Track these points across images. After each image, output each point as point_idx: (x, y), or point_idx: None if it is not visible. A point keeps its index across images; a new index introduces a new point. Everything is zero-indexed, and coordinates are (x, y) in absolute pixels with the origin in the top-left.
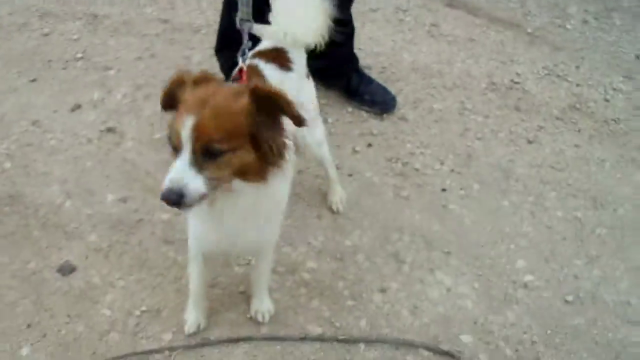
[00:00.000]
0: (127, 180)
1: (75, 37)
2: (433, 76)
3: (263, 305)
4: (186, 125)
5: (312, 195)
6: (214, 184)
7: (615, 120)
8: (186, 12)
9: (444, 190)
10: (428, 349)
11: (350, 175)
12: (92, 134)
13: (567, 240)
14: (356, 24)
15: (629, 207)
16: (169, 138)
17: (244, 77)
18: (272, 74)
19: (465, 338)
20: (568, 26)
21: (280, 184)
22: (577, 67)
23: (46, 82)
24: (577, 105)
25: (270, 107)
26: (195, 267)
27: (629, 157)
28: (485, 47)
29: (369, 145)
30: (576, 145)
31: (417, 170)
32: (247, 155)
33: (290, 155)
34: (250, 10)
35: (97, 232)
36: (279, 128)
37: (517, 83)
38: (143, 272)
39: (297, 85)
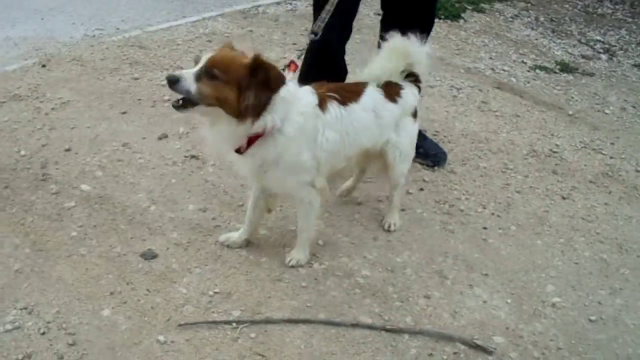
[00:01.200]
0: (207, 195)
1: (162, 83)
2: (480, 141)
3: (298, 253)
4: (207, 55)
5: (370, 221)
6: (201, 95)
7: None
8: None
9: (485, 228)
10: (464, 342)
11: (403, 210)
12: (177, 158)
13: (593, 275)
14: None
15: None
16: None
17: (292, 69)
18: (373, 98)
19: (498, 339)
20: (607, 111)
21: (288, 142)
22: (612, 144)
23: (136, 115)
24: (610, 173)
25: (262, 75)
26: (251, 194)
27: None
28: (529, 122)
29: (421, 189)
30: (606, 204)
31: (462, 211)
32: (230, 93)
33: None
34: (322, 26)
35: (178, 231)
36: (263, 93)
37: (555, 152)
38: (218, 264)
39: (395, 119)
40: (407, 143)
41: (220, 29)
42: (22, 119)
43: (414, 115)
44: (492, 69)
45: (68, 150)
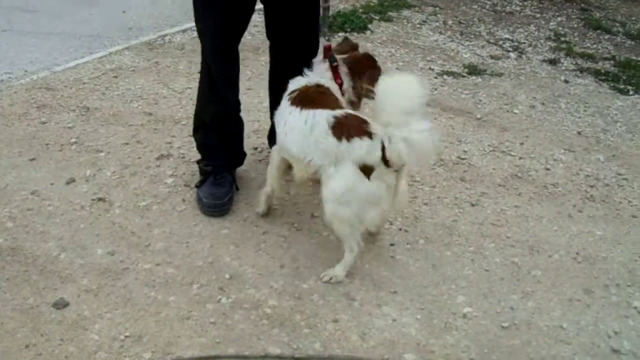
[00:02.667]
0: (114, 238)
1: (69, 125)
2: None
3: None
4: None
5: (276, 249)
6: None
7: (553, 185)
8: (168, 107)
9: (392, 244)
10: None
11: (308, 234)
12: (85, 202)
13: (504, 280)
14: None
15: (563, 253)
16: None
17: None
18: (322, 119)
19: (409, 356)
20: (515, 111)
21: None
22: (522, 144)
23: (44, 161)
24: (519, 174)
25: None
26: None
27: (566, 214)
28: (436, 131)
29: None
30: (516, 206)
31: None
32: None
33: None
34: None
35: (88, 277)
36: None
37: (463, 159)
38: (127, 307)
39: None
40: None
41: (126, 63)
42: None
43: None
44: None
45: None
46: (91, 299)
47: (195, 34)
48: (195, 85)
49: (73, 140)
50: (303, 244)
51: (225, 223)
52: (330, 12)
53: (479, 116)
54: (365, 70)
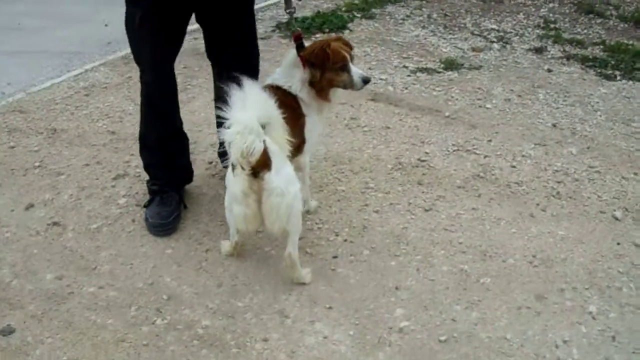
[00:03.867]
0: (64, 262)
1: (35, 149)
2: (343, 163)
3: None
4: None
5: (216, 267)
6: None
7: (517, 183)
8: (132, 124)
9: (335, 257)
10: None
11: (250, 249)
12: (40, 227)
13: (449, 290)
14: None
15: (518, 257)
16: None
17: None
18: None
19: None
20: (488, 105)
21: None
22: (489, 141)
23: (7, 187)
24: (482, 174)
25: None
26: None
27: (527, 214)
28: (399, 133)
29: None
30: (473, 209)
31: (312, 242)
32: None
33: None
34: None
35: (35, 303)
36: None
37: (423, 161)
38: (68, 332)
39: None
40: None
41: (100, 80)
42: None
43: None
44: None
45: None
46: (35, 324)
47: None
48: None
49: (37, 164)
50: (243, 261)
51: (170, 242)
52: (310, 13)
53: (447, 114)
54: (328, 59)
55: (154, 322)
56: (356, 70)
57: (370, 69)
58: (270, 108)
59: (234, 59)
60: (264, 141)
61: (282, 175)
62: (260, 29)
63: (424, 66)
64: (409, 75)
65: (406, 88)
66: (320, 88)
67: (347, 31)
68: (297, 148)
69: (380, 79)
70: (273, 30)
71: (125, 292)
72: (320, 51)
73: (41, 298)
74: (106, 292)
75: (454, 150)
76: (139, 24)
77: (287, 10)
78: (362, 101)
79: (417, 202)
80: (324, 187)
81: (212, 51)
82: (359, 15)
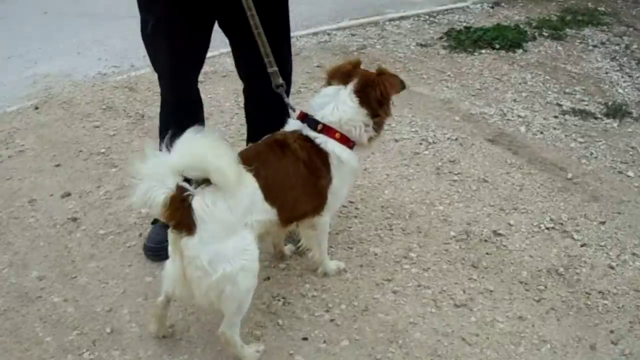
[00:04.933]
0: (55, 263)
1: (112, 133)
2: (399, 217)
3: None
4: None
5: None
6: None
7: (602, 294)
8: (221, 123)
9: (304, 339)
10: None
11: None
12: (60, 220)
13: None
14: None
15: None
16: None
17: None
18: None
19: None
20: (630, 173)
21: None
22: (602, 223)
23: (65, 169)
24: (561, 270)
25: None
26: None
27: (589, 342)
28: (494, 190)
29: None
30: (519, 317)
31: (291, 312)
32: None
33: None
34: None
35: (4, 299)
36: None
37: (499, 235)
38: (10, 337)
39: None
40: None
41: (226, 67)
42: None
43: None
44: (504, 114)
45: None
46: None
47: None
48: None
49: (103, 150)
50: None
51: (155, 270)
52: (488, 24)
53: (570, 175)
54: (376, 87)
55: (81, 354)
56: None
57: (515, 100)
58: (210, 158)
59: (265, 71)
60: (190, 197)
61: (211, 248)
62: (428, 34)
63: (583, 107)
64: (555, 117)
65: (541, 132)
66: (381, 125)
67: (519, 50)
68: (314, 209)
69: (518, 116)
70: (440, 38)
71: (81, 312)
72: (384, 85)
73: (12, 295)
74: (66, 306)
75: (546, 228)
76: (152, 32)
77: (276, 88)
78: (477, 140)
79: (452, 290)
80: (356, 244)
81: (240, 64)
82: (546, 33)
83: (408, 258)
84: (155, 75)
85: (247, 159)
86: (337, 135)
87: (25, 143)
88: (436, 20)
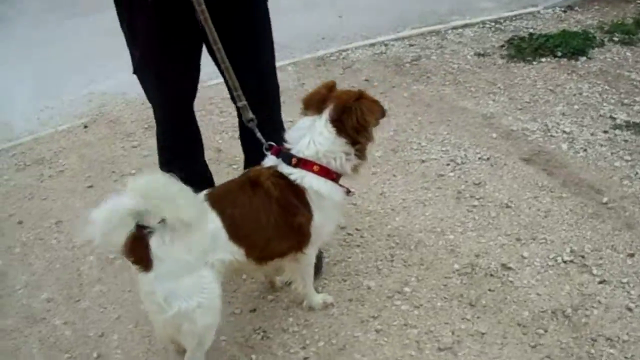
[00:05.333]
0: (64, 286)
1: (146, 153)
2: (403, 247)
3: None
4: None
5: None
6: None
7: (611, 341)
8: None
9: None
10: None
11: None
12: (78, 242)
13: None
14: None
15: None
16: None
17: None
18: None
19: None
20: None
21: None
22: (630, 256)
23: (96, 191)
24: (569, 312)
25: None
26: None
27: None
28: (515, 217)
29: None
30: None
31: (265, 348)
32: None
33: None
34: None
35: (14, 318)
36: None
37: (508, 269)
38: (9, 358)
39: None
40: None
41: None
42: (23, 184)
43: None
44: (547, 130)
45: (20, 222)
46: None
47: (374, 51)
48: None
49: (133, 171)
50: None
51: None
52: (554, 30)
53: (606, 200)
54: (352, 114)
55: None
56: None
57: (563, 114)
58: (164, 195)
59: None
60: (148, 235)
61: (166, 285)
62: (490, 42)
63: (639, 120)
64: (605, 131)
65: (585, 150)
66: (363, 152)
67: (583, 58)
68: (294, 248)
69: (563, 132)
70: (501, 46)
71: (76, 335)
72: (361, 111)
73: (20, 315)
74: (64, 329)
75: (564, 261)
76: (139, 65)
77: (247, 122)
78: (511, 160)
79: (440, 332)
80: (351, 276)
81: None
82: (616, 38)
83: (402, 293)
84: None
85: (214, 198)
86: (315, 168)
87: (67, 163)
88: (502, 27)
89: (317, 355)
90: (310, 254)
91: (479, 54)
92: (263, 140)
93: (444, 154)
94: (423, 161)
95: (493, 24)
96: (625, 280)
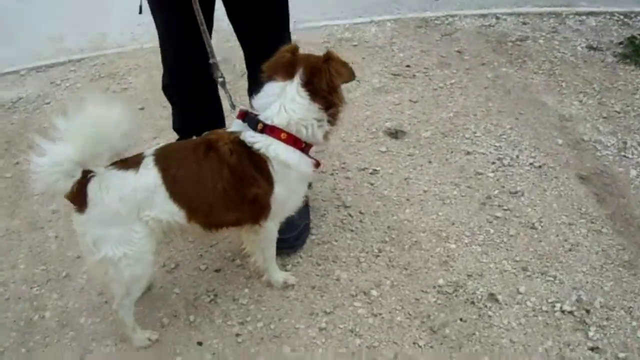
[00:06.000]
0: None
1: None
2: (398, 243)
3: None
4: None
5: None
6: None
7: None
8: None
9: None
10: None
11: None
12: None
13: None
14: None
15: None
16: None
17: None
18: None
19: None
20: None
21: None
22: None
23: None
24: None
25: None
26: None
27: None
28: (536, 243)
29: None
30: None
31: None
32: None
33: None
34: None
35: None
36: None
37: (494, 301)
38: None
39: None
40: None
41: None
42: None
43: None
44: (622, 149)
45: None
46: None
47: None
48: None
49: None
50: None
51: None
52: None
53: None
54: (322, 75)
55: None
56: None
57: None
58: (104, 135)
59: (262, 44)
60: (90, 178)
61: (96, 230)
62: (609, 36)
63: None
64: None
65: None
66: (336, 117)
67: None
68: (247, 219)
69: None
70: (619, 43)
71: (59, 252)
72: (330, 72)
73: (26, 220)
74: (52, 243)
75: (562, 310)
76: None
77: (216, 79)
78: (565, 174)
79: (382, 351)
80: (327, 261)
81: (238, 32)
82: None
83: (367, 295)
84: None
85: (162, 154)
86: (282, 135)
87: (134, 81)
88: (629, 22)
89: (249, 335)
90: (269, 227)
91: (590, 47)
92: (230, 102)
93: (495, 150)
94: (468, 153)
95: (622, 17)
96: (622, 355)
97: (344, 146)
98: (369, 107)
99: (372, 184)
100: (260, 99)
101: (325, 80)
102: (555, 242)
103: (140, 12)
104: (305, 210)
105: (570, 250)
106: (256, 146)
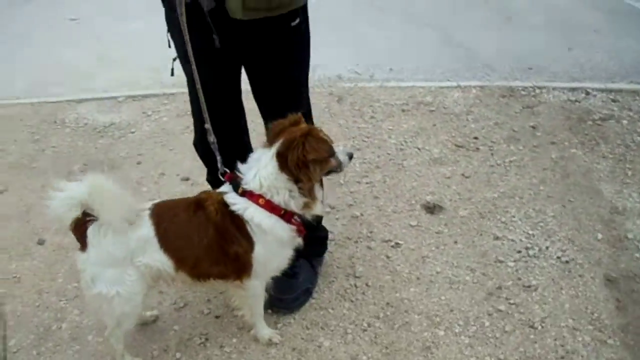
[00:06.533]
0: None
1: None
2: (390, 323)
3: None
4: None
5: None
6: None
7: None
8: None
9: None
10: None
11: None
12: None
13: None
14: None
15: None
16: None
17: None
18: None
19: None
20: None
21: None
22: None
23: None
24: None
25: None
26: None
27: None
28: (530, 345)
29: None
30: None
31: None
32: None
33: None
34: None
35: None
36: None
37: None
38: None
39: None
40: None
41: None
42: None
43: None
44: None
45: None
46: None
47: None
48: None
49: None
50: None
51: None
52: None
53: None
54: (294, 149)
55: None
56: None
57: None
58: (101, 198)
59: (279, 103)
60: (89, 223)
61: (94, 268)
62: None
63: None
64: None
65: None
66: (307, 191)
67: None
68: (229, 274)
69: None
70: None
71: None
72: (303, 147)
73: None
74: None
75: None
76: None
77: (211, 144)
78: (592, 273)
79: None
80: (316, 327)
81: (256, 92)
82: None
83: None
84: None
85: (158, 209)
86: (260, 201)
87: None
88: None
89: None
90: (254, 285)
91: None
92: (220, 165)
93: (526, 238)
94: (497, 238)
95: None
96: None
97: (377, 215)
98: (418, 178)
99: (388, 257)
100: (245, 164)
101: (296, 154)
102: (550, 346)
103: (172, 74)
104: (310, 275)
105: (562, 357)
106: (234, 208)
